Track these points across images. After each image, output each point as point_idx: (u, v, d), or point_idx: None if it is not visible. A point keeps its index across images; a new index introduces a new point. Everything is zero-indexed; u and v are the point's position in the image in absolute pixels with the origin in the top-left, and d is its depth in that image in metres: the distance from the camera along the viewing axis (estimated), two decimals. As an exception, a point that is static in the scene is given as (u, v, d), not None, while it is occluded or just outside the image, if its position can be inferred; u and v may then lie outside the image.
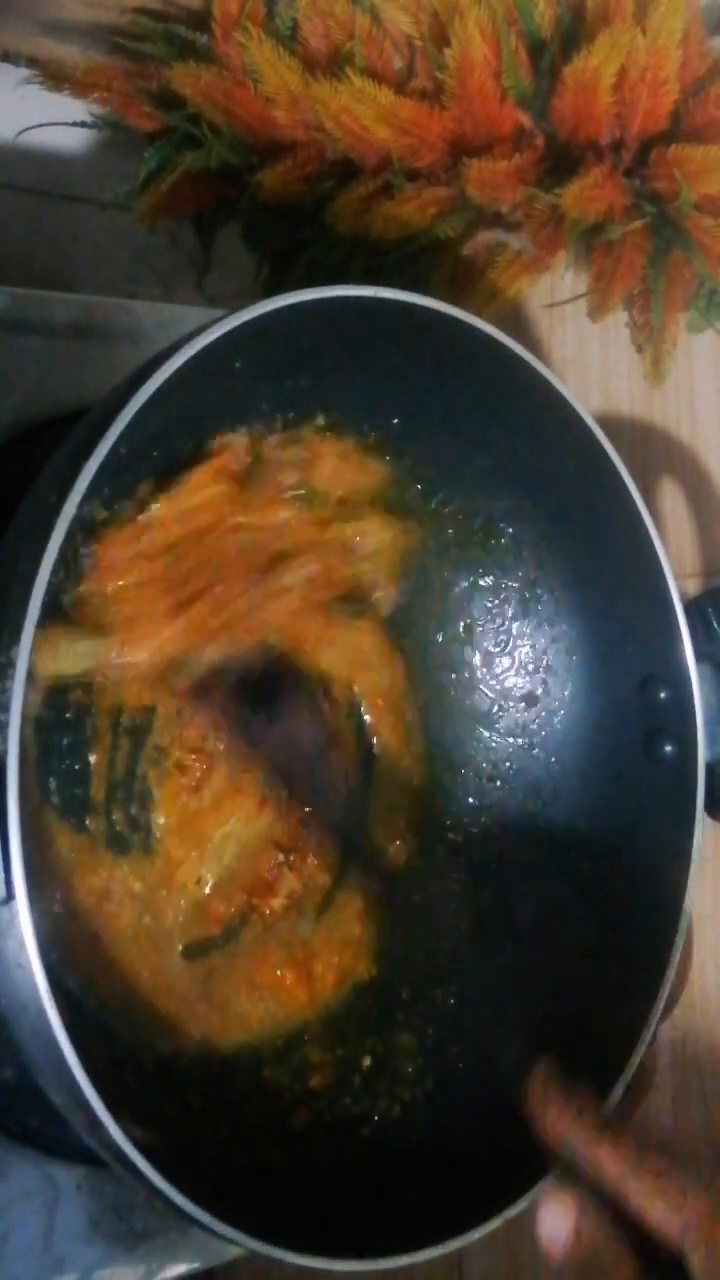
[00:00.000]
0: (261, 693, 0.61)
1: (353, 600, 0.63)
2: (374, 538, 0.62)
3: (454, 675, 0.67)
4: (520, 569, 0.66)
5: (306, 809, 0.62)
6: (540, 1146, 0.47)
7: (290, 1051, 0.60)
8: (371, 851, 0.64)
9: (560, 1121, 0.46)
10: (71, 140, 0.77)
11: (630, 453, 0.59)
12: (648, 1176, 0.43)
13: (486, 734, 0.67)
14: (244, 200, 0.75)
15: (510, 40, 0.69)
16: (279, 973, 0.60)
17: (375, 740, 0.65)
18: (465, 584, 0.66)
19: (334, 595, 0.62)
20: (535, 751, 0.66)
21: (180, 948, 0.58)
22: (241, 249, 0.78)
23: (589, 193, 0.70)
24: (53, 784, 0.55)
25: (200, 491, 0.56)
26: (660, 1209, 0.43)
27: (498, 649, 0.67)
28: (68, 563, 0.52)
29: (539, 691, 0.66)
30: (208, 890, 0.59)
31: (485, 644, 0.67)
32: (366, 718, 0.65)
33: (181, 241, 0.80)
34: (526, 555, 0.65)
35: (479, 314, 0.55)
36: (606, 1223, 0.45)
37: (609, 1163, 0.44)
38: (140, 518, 0.54)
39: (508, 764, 0.67)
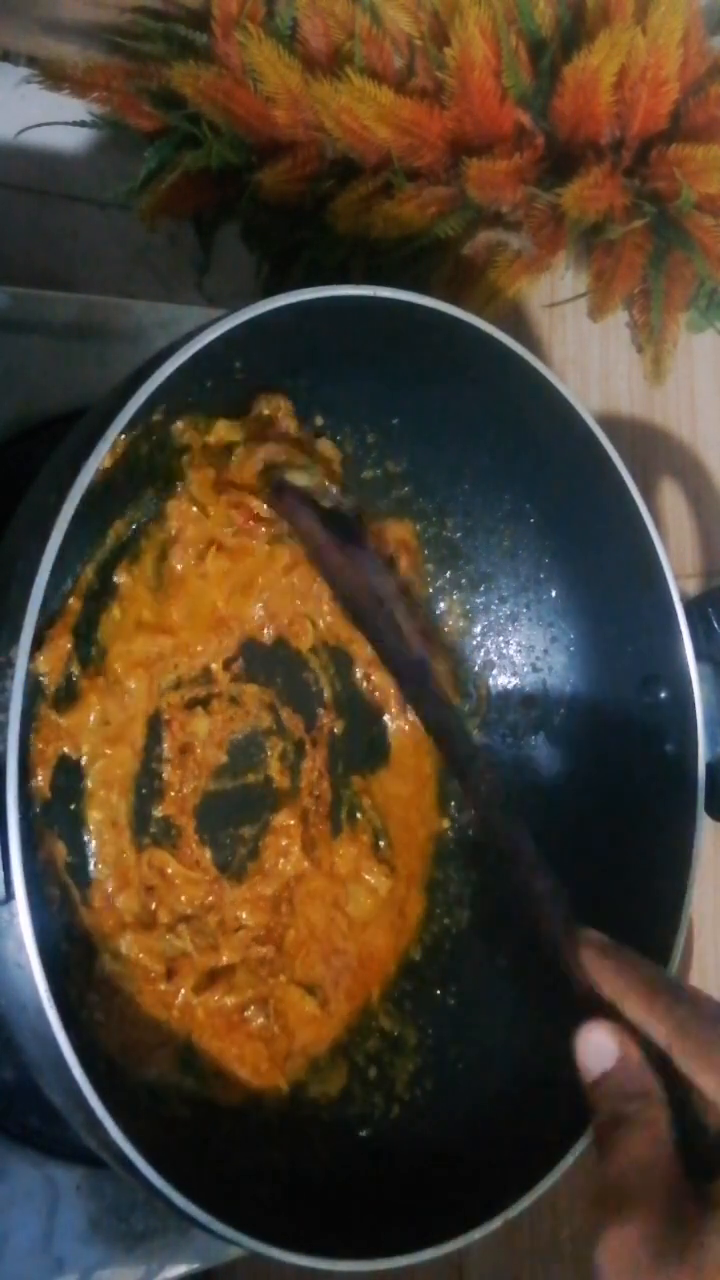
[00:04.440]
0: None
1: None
2: None
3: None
4: (520, 569, 0.66)
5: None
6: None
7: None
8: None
9: (621, 976, 0.46)
10: (71, 140, 0.77)
11: (630, 453, 0.59)
12: (705, 1038, 0.43)
13: (486, 734, 0.67)
14: (244, 200, 0.75)
15: (510, 40, 0.69)
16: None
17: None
18: (465, 584, 0.66)
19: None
20: (535, 752, 0.66)
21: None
22: (241, 249, 0.78)
23: (589, 192, 0.70)
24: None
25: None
26: (712, 1068, 0.42)
27: (497, 649, 0.67)
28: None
29: (539, 692, 0.66)
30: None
31: (485, 644, 0.67)
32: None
33: (181, 241, 0.80)
34: (526, 555, 0.65)
35: (479, 314, 0.55)
36: (648, 1064, 0.44)
37: (668, 1018, 0.44)
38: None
39: (507, 764, 0.67)
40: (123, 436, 0.50)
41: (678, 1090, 0.44)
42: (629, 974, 0.47)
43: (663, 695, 0.61)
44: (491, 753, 0.65)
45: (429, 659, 0.60)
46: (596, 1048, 0.46)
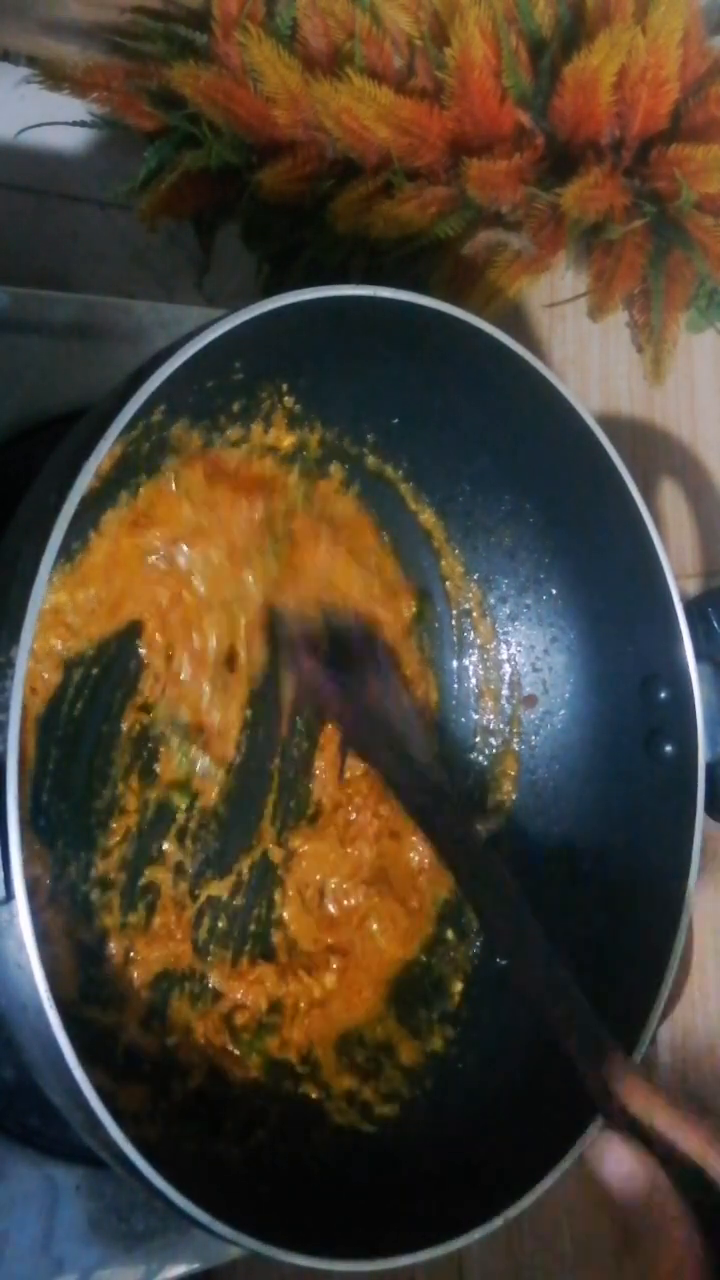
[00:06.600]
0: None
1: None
2: None
3: (454, 675, 0.67)
4: (520, 569, 0.66)
5: None
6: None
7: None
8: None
9: (647, 1099, 0.47)
10: (71, 140, 0.77)
11: (630, 453, 0.59)
12: None
13: (487, 734, 0.67)
14: (244, 200, 0.75)
15: (510, 40, 0.69)
16: None
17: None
18: (465, 584, 0.66)
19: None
20: (535, 751, 0.66)
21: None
22: (241, 249, 0.78)
23: (589, 192, 0.70)
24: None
25: None
26: None
27: (497, 649, 0.67)
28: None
29: (539, 691, 0.66)
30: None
31: (485, 644, 0.67)
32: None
33: (181, 241, 0.80)
34: (526, 555, 0.65)
35: (479, 314, 0.55)
36: (666, 1175, 0.45)
37: (694, 1138, 0.45)
38: None
39: (508, 764, 0.67)
40: (122, 437, 0.50)
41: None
42: (656, 1099, 0.47)
43: (663, 695, 0.61)
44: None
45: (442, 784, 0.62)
46: (616, 1159, 0.46)
